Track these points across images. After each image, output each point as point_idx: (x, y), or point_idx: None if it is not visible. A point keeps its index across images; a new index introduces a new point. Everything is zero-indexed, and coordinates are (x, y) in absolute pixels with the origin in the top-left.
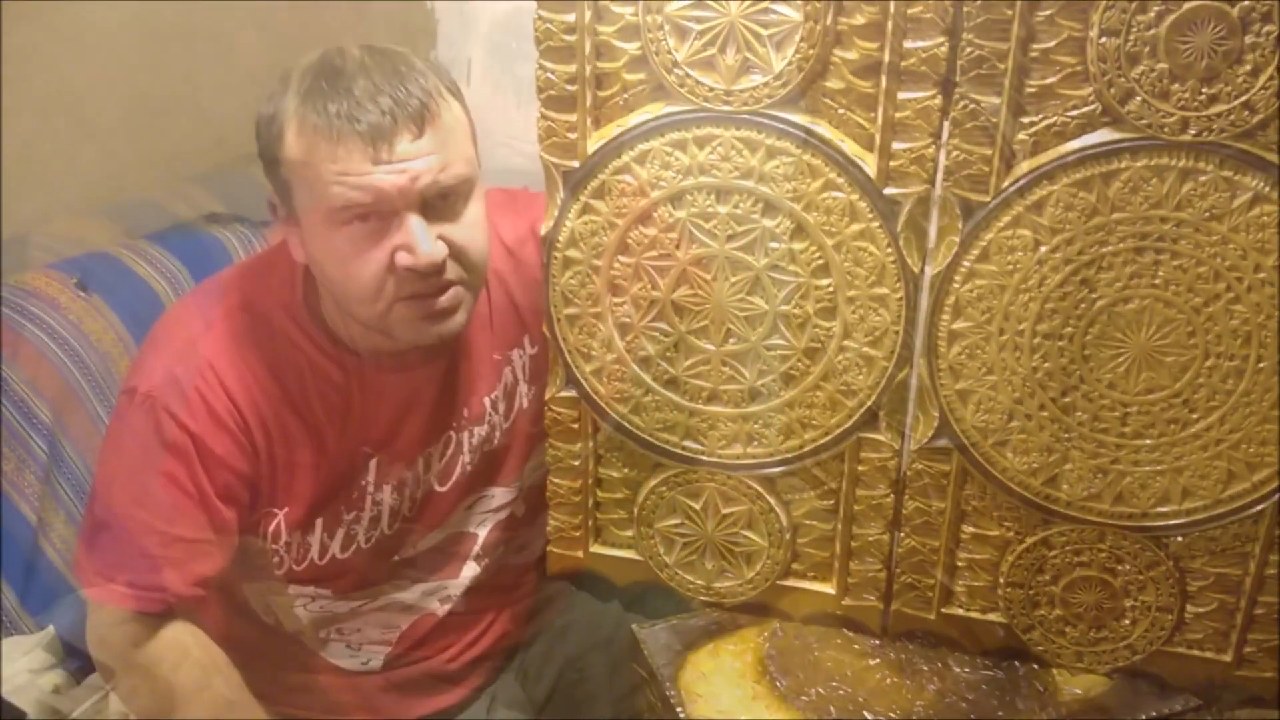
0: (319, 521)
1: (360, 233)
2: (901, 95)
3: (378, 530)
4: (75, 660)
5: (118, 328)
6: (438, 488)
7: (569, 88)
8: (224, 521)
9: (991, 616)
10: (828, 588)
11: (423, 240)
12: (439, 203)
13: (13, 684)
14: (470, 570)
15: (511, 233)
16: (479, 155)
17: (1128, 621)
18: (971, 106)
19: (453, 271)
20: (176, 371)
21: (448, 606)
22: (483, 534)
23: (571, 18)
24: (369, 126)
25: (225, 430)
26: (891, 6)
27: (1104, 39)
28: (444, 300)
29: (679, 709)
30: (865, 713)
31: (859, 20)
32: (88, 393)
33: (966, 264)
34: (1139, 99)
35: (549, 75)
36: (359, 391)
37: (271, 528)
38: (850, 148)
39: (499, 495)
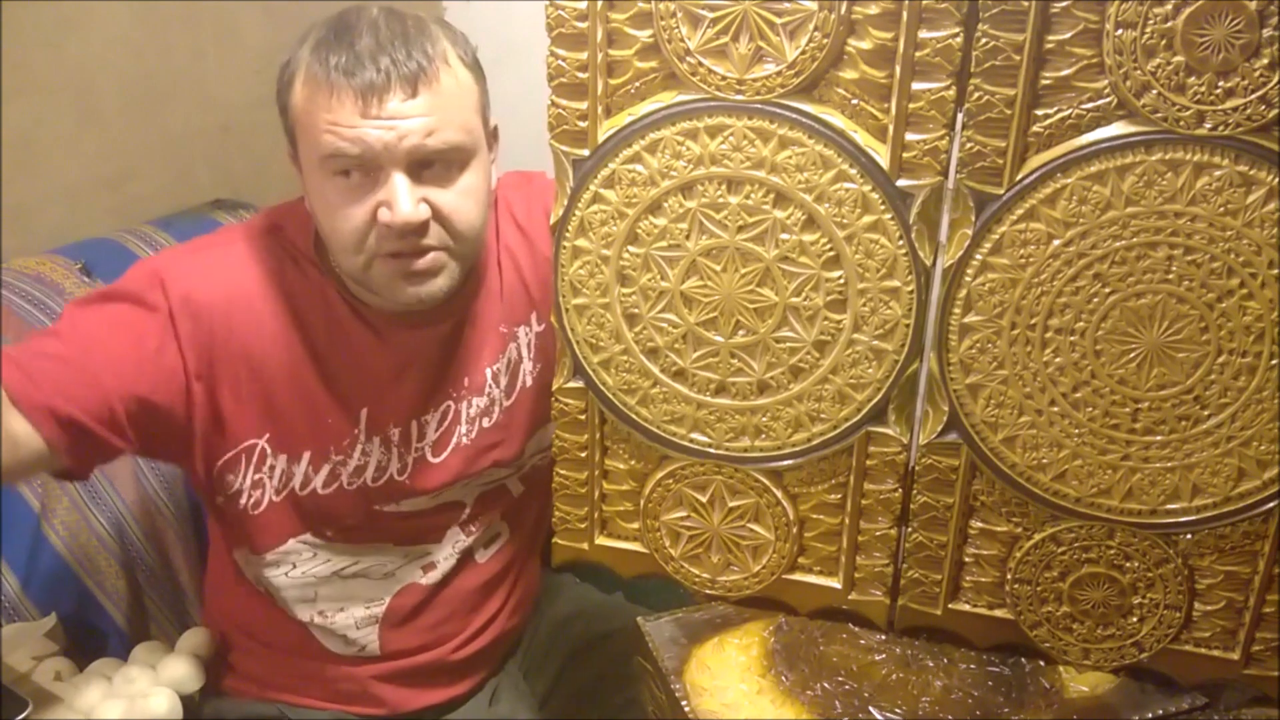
0: (306, 454)
1: (348, 185)
2: (916, 86)
3: (361, 479)
4: (79, 648)
5: None
6: (431, 458)
7: (580, 75)
8: (149, 391)
9: (998, 613)
10: (834, 582)
11: (403, 199)
12: (428, 166)
13: (15, 671)
14: (455, 536)
15: (525, 212)
16: (489, 129)
17: (1135, 619)
18: (986, 98)
19: (435, 236)
20: (187, 260)
21: (434, 575)
22: (470, 502)
23: (584, 4)
24: (362, 81)
25: (195, 324)
26: None
27: (1120, 31)
28: (423, 263)
29: (684, 702)
30: (871, 708)
31: (873, 10)
32: None
33: (979, 257)
34: (1155, 92)
35: (560, 62)
36: (362, 337)
37: (255, 455)
38: (863, 138)
39: (498, 475)
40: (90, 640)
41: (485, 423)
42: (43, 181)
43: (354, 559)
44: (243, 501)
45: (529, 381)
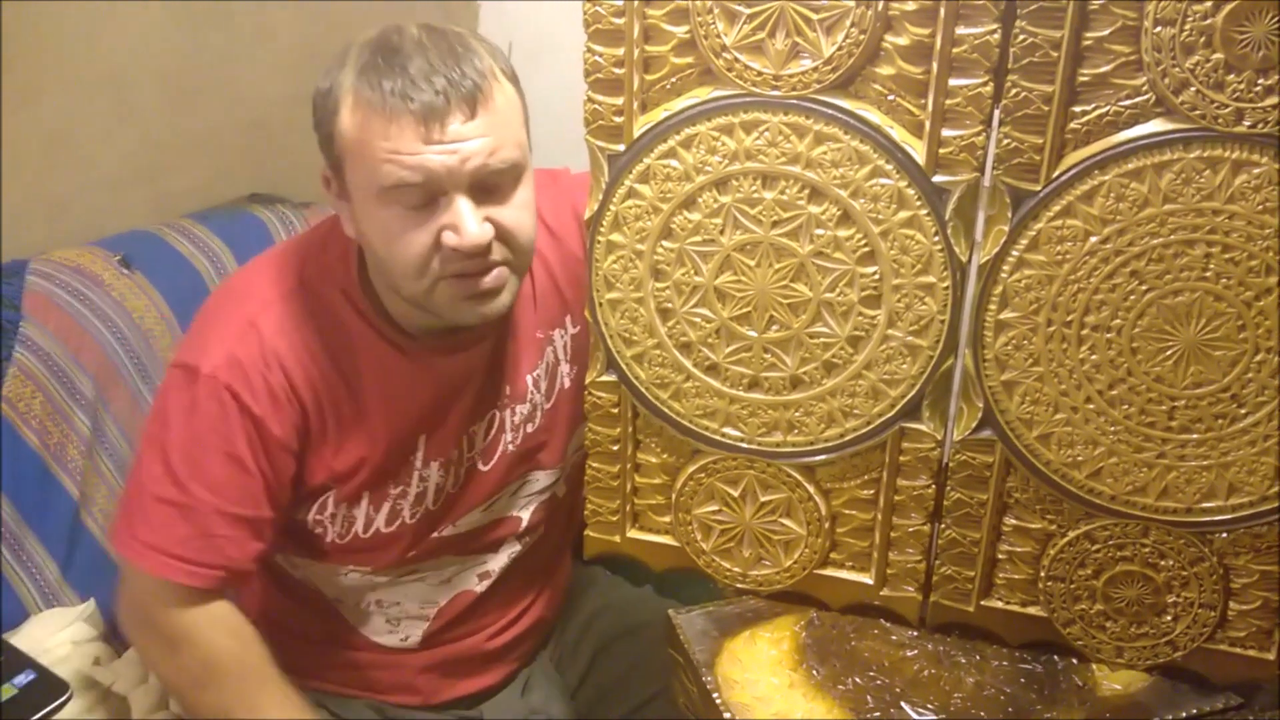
0: (365, 495)
1: (409, 210)
2: (953, 82)
3: (423, 507)
4: (116, 633)
5: (160, 305)
6: (481, 466)
7: (616, 71)
8: (283, 497)
9: (1031, 610)
10: (866, 578)
11: (469, 221)
12: (488, 185)
13: (55, 655)
14: (511, 548)
15: (553, 213)
16: (530, 139)
17: (1169, 618)
18: (1023, 94)
19: (498, 253)
20: (238, 353)
21: (487, 583)
22: (526, 516)
23: (621, 1)
24: (422, 105)
25: (285, 412)
26: None
27: (1159, 28)
28: (488, 280)
29: (715, 694)
30: (903, 703)
31: (911, 6)
32: (130, 369)
33: (1015, 253)
34: (1193, 89)
35: (596, 58)
36: (411, 372)
37: (319, 502)
38: (899, 134)
39: (542, 478)
40: None
41: (529, 428)
42: (82, 175)
43: (414, 572)
44: (304, 524)
45: (566, 384)
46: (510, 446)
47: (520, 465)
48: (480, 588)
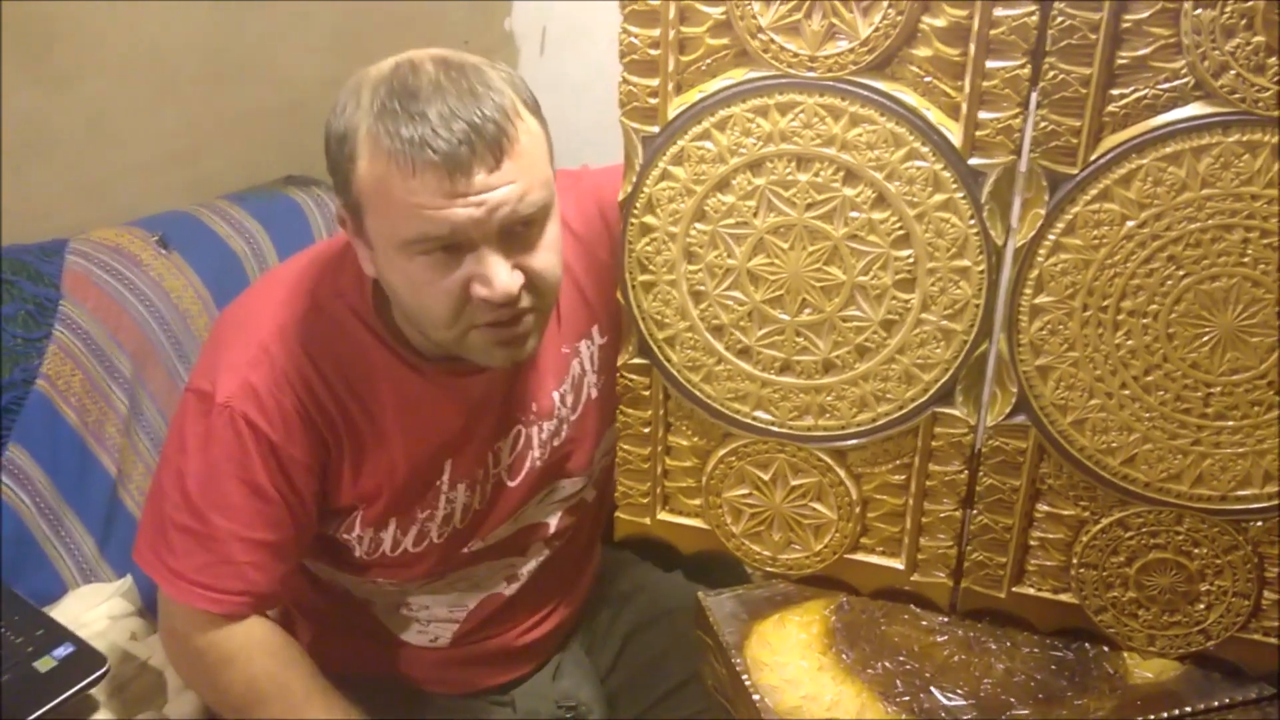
0: (392, 521)
1: (435, 262)
2: (990, 64)
3: (450, 527)
4: (152, 609)
5: (197, 285)
6: (508, 482)
7: (652, 52)
8: (307, 518)
9: (1063, 597)
10: (897, 563)
11: (500, 273)
12: (517, 230)
13: (92, 629)
14: (540, 553)
15: (579, 217)
16: (554, 168)
17: (1203, 606)
18: (1061, 77)
19: (526, 299)
20: (252, 379)
21: (516, 586)
22: (554, 522)
23: None
24: (444, 157)
25: (303, 435)
26: None
27: (1199, 10)
28: (519, 327)
29: (744, 676)
30: (932, 688)
31: None
32: (167, 349)
33: (1051, 237)
34: (1233, 72)
35: (632, 39)
36: (430, 394)
37: (346, 522)
38: (936, 116)
39: (569, 485)
40: None
41: (555, 443)
42: (120, 155)
43: (443, 576)
44: (332, 540)
45: (593, 394)
46: (538, 462)
47: (547, 476)
48: (509, 590)
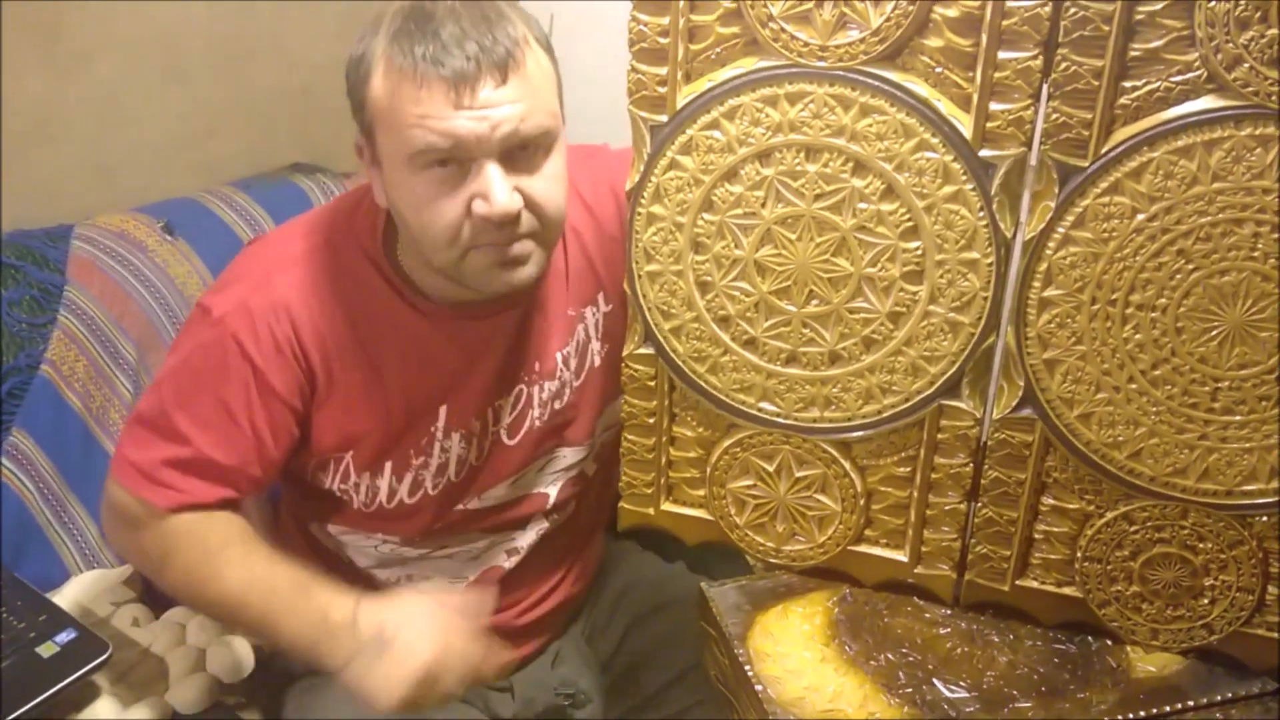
0: (388, 465)
1: (439, 178)
2: (1002, 55)
3: (444, 478)
4: (154, 596)
5: (202, 272)
6: (506, 440)
7: (661, 40)
8: (268, 456)
9: (1067, 590)
10: (900, 555)
11: (499, 190)
12: (518, 153)
13: (95, 615)
14: (539, 525)
15: (591, 189)
16: (564, 110)
17: (1206, 601)
18: (1073, 68)
19: (527, 224)
20: (250, 302)
21: (515, 559)
22: (554, 493)
23: None
24: (453, 71)
25: (287, 366)
26: None
27: (1213, 3)
28: (515, 249)
29: (747, 667)
30: (935, 680)
31: None
32: (171, 334)
33: (1061, 230)
34: (1246, 65)
35: (641, 27)
36: (431, 338)
37: (340, 469)
38: (946, 107)
39: (569, 454)
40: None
41: (557, 404)
42: (128, 139)
43: (443, 547)
44: (330, 493)
45: (597, 361)
46: (537, 422)
47: (547, 441)
48: (509, 564)
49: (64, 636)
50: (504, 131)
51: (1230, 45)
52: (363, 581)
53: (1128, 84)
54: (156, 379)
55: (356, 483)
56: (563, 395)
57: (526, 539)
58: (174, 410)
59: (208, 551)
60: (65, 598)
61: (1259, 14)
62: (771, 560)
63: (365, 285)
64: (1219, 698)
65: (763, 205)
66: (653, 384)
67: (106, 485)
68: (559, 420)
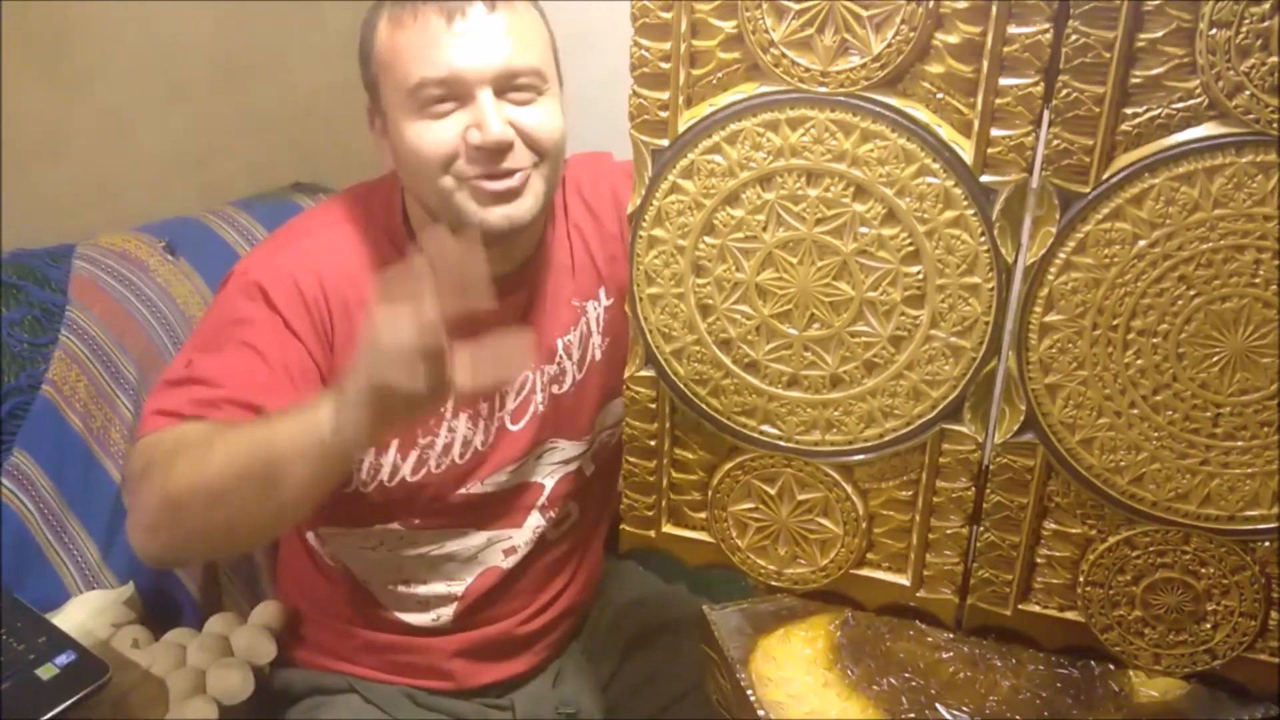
0: (394, 441)
1: (436, 114)
2: (1003, 81)
3: (449, 458)
4: (155, 617)
5: (204, 291)
6: (510, 425)
7: (663, 65)
8: (299, 398)
9: (1069, 615)
10: (903, 579)
11: (492, 118)
12: (511, 88)
13: (95, 636)
14: (534, 521)
15: (592, 191)
16: (561, 74)
17: (1209, 625)
18: (1074, 95)
19: (524, 158)
20: (277, 259)
21: (514, 560)
22: (549, 485)
23: None
24: (444, 2)
25: (312, 317)
26: None
27: (1214, 30)
28: (514, 180)
29: (749, 691)
30: (937, 705)
31: (962, 3)
32: (173, 355)
33: (1062, 256)
34: (1248, 93)
35: (643, 52)
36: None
37: None
38: (947, 133)
39: (568, 448)
40: (166, 610)
41: (556, 390)
42: (130, 158)
43: (439, 543)
44: None
45: (598, 356)
46: (540, 407)
47: (546, 429)
48: (507, 564)
49: (64, 658)
50: (497, 61)
51: (1231, 73)
52: (361, 595)
53: (1129, 111)
54: (184, 344)
55: (360, 459)
56: (563, 382)
57: (523, 537)
58: (202, 359)
59: (211, 430)
60: (65, 619)
61: (1260, 42)
62: (773, 583)
63: (382, 258)
64: None
65: (764, 229)
66: (654, 406)
67: (128, 456)
68: (558, 408)
